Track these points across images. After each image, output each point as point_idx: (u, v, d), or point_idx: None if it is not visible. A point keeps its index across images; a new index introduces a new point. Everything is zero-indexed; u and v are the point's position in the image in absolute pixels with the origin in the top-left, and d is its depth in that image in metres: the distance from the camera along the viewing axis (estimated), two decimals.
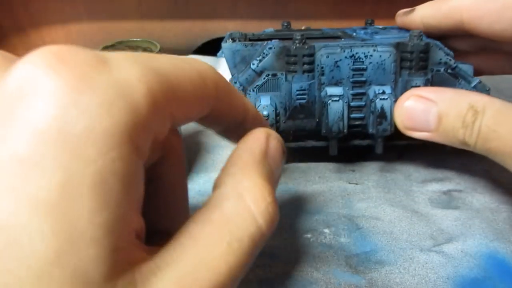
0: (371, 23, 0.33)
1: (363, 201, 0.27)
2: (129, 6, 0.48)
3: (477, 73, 0.28)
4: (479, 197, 0.27)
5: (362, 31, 0.30)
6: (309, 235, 0.25)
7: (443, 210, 0.26)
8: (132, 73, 0.12)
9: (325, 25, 0.34)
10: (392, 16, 0.31)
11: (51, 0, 0.48)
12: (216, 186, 0.16)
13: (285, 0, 0.47)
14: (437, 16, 0.27)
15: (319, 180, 0.29)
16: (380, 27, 0.32)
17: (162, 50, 0.41)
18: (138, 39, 0.43)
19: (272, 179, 0.17)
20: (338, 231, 0.25)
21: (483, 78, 0.28)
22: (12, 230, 0.10)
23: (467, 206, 0.27)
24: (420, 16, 0.28)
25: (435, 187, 0.28)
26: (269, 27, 0.33)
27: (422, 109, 0.24)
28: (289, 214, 0.26)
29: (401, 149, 0.32)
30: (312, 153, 0.30)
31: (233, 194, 0.15)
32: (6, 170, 0.10)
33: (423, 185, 0.28)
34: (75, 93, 0.11)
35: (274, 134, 0.18)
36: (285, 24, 0.32)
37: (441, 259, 0.23)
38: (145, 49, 0.41)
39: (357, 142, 0.29)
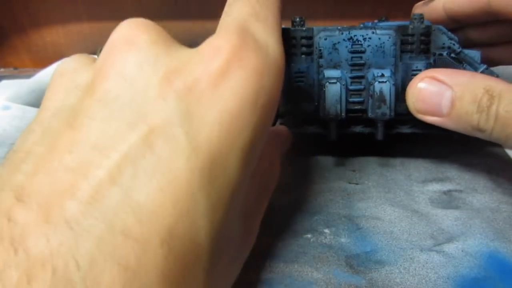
0: (385, 20, 0.32)
1: (363, 201, 0.27)
2: (129, 6, 0.48)
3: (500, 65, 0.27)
4: (479, 197, 0.27)
5: (370, 23, 0.30)
6: (309, 235, 0.25)
7: (444, 210, 0.26)
8: (278, 52, 0.17)
9: (325, 25, 0.34)
10: (392, 16, 0.31)
11: (51, 0, 0.48)
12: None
13: (284, 0, 0.47)
14: (461, 0, 0.26)
15: (319, 180, 0.29)
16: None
17: None
18: None
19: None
20: (338, 231, 0.25)
21: (501, 68, 0.26)
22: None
23: (468, 206, 0.26)
24: (442, 2, 0.27)
25: (436, 187, 0.28)
26: None
27: (436, 92, 0.23)
28: (289, 214, 0.26)
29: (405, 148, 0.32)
30: (316, 148, 0.30)
31: (269, 160, 0.23)
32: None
33: (424, 185, 0.28)
34: (259, 78, 0.15)
35: (290, 133, 0.28)
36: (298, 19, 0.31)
37: (441, 259, 0.23)
38: None
39: (358, 129, 0.28)
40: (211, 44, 0.16)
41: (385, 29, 0.26)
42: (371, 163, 0.31)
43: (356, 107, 0.27)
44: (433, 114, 0.23)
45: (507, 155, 0.31)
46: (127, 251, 0.12)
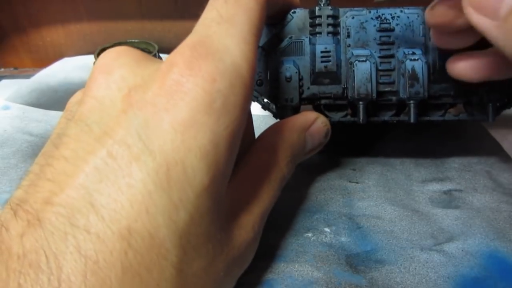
0: None
1: (364, 200, 0.27)
2: (129, 6, 0.48)
3: None
4: (479, 197, 0.27)
5: None
6: (309, 234, 0.25)
7: (444, 210, 0.26)
8: (237, 55, 0.17)
9: None
10: None
11: (51, 0, 0.48)
12: (260, 137, 0.23)
13: None
14: None
15: (320, 179, 0.29)
16: None
17: (162, 50, 0.41)
18: (136, 40, 0.43)
19: (301, 147, 0.24)
20: (339, 230, 0.25)
21: None
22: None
23: (468, 206, 0.27)
24: None
25: (436, 186, 0.28)
26: None
27: None
28: (290, 212, 0.26)
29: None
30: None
31: (270, 149, 0.22)
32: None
33: (424, 185, 0.28)
34: (211, 83, 0.16)
35: (323, 119, 0.25)
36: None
37: (441, 258, 0.23)
38: (143, 50, 0.41)
39: (388, 116, 0.27)
40: (168, 60, 0.17)
41: (412, 8, 0.26)
42: (371, 162, 0.31)
43: (386, 89, 0.26)
44: (486, 14, 0.19)
45: (507, 155, 0.31)
46: (88, 245, 0.14)
